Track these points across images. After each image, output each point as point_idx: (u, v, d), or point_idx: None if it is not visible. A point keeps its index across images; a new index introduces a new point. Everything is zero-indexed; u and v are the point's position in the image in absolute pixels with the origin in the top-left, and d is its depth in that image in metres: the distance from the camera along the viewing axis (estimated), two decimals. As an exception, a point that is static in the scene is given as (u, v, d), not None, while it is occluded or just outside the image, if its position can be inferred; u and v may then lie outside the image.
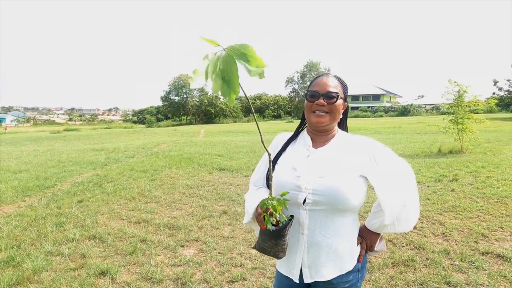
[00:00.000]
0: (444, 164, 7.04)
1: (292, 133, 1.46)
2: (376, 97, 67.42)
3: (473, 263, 2.89)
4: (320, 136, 1.36)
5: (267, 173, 1.41)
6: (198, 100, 55.24)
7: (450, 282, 2.62)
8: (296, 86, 58.48)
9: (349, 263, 1.29)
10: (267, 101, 60.65)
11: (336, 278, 1.28)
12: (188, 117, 55.76)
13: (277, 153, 1.39)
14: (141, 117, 62.80)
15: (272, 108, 59.49)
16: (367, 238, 1.36)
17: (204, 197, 5.32)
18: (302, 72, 56.75)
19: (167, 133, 24.32)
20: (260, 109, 59.85)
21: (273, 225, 1.14)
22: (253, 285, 2.74)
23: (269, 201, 1.15)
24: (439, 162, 7.31)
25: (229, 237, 3.69)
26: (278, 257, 1.22)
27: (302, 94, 53.69)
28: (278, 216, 1.16)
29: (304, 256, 1.27)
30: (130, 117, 73.35)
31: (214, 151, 10.74)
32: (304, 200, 1.23)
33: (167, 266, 3.07)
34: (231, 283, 2.79)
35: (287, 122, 41.78)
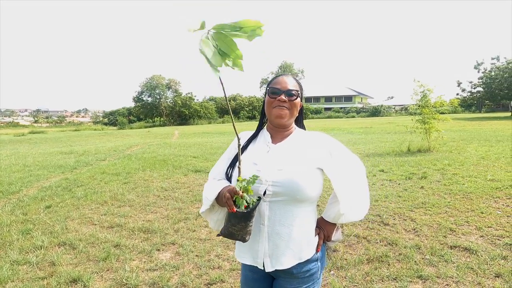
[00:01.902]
0: (414, 163, 7.32)
1: (253, 131, 1.53)
2: (348, 98, 69.06)
3: (443, 256, 3.01)
4: (279, 133, 1.44)
5: (228, 167, 1.47)
6: (171, 101, 54.30)
7: (422, 275, 2.73)
8: (270, 87, 58.79)
9: (307, 252, 1.36)
10: (242, 102, 60.57)
11: (296, 267, 1.34)
12: (162, 119, 54.67)
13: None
14: (112, 119, 60.88)
15: (247, 109, 59.46)
16: (324, 228, 1.43)
17: (180, 199, 5.23)
18: (277, 73, 57.23)
19: (139, 135, 23.76)
20: (235, 110, 59.67)
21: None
22: (232, 286, 2.72)
23: (238, 183, 1.20)
24: (408, 161, 7.59)
25: (206, 239, 3.64)
26: (245, 240, 1.25)
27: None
28: (248, 197, 1.21)
29: (265, 246, 1.33)
30: (101, 118, 70.90)
31: (189, 152, 10.60)
32: (265, 192, 1.30)
33: (143, 271, 2.99)
34: (209, 285, 2.76)
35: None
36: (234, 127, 1.35)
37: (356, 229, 3.70)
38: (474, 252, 3.07)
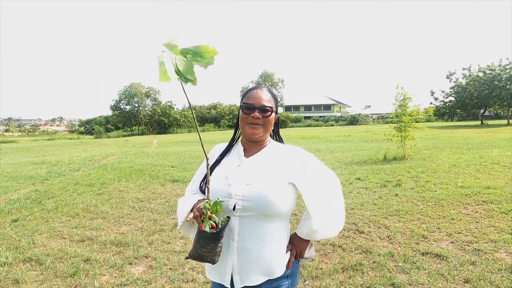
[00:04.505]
0: (389, 170, 7.49)
1: (227, 143, 1.51)
2: (327, 107, 70.34)
3: (415, 263, 3.07)
4: (252, 146, 1.43)
5: (201, 181, 1.45)
6: (150, 109, 53.56)
7: (395, 283, 2.76)
8: (251, 96, 59.10)
9: (278, 269, 1.32)
10: (222, 111, 60.49)
11: (265, 283, 1.31)
12: (140, 127, 53.78)
13: (212, 165, 1.42)
14: (88, 128, 59.22)
15: (227, 117, 59.40)
16: (297, 245, 1.40)
17: (156, 210, 5.12)
18: (257, 82, 57.61)
19: (117, 144, 23.21)
20: (215, 119, 59.49)
21: (211, 228, 1.17)
22: (205, 300, 2.66)
23: (206, 204, 1.18)
24: (384, 168, 7.75)
25: (181, 251, 3.56)
26: (214, 262, 1.23)
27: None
28: (217, 218, 1.19)
29: (234, 261, 1.30)
30: (77, 127, 68.76)
31: (167, 162, 10.44)
32: (234, 207, 1.27)
33: (113, 286, 2.88)
34: (182, 300, 2.68)
35: (243, 131, 42.02)
36: (202, 146, 1.30)
37: (332, 238, 3.72)
38: (445, 258, 3.14)
